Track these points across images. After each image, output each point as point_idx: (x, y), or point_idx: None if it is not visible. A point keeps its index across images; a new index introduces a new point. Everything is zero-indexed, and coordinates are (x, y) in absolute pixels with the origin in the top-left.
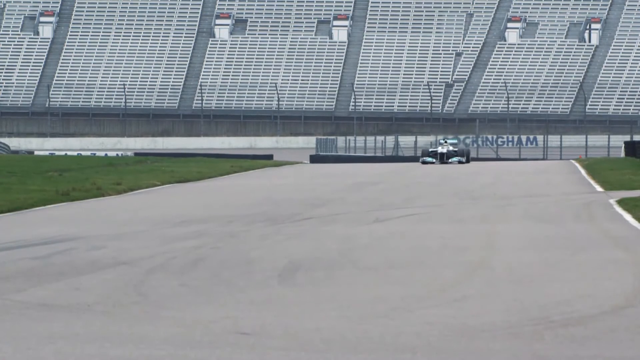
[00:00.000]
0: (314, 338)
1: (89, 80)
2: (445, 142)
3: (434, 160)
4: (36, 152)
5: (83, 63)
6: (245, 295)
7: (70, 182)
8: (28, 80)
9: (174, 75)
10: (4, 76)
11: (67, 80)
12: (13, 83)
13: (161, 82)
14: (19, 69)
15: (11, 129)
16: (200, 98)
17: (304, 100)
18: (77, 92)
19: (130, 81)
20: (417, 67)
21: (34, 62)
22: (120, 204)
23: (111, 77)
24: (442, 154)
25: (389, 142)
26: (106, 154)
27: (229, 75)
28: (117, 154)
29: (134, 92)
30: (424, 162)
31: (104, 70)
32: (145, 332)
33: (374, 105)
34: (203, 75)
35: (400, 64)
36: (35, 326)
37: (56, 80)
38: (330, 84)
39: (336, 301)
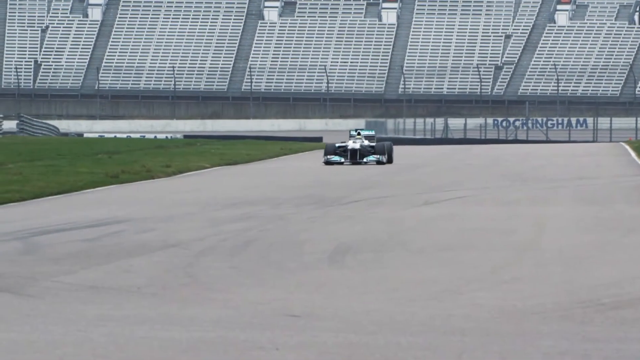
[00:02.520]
0: (363, 320)
1: (138, 63)
2: (359, 134)
3: (342, 160)
4: (85, 135)
5: (132, 45)
6: (295, 277)
7: (119, 165)
8: (77, 62)
9: (223, 57)
10: (53, 59)
11: (116, 62)
12: (62, 65)
13: (210, 64)
14: (69, 52)
15: (60, 111)
16: (249, 80)
17: (353, 83)
18: (127, 74)
19: (179, 63)
20: (466, 49)
21: (83, 45)
22: (169, 186)
23: (160, 60)
24: (353, 151)
25: (438, 125)
26: (155, 136)
27: (278, 58)
28: (166, 137)
29: (184, 75)
30: (328, 162)
31: (153, 53)
32: (194, 314)
33: (424, 88)
34: (252, 57)
35: (450, 46)
36: (85, 308)
37: (105, 62)
38: (380, 66)
39: (385, 283)
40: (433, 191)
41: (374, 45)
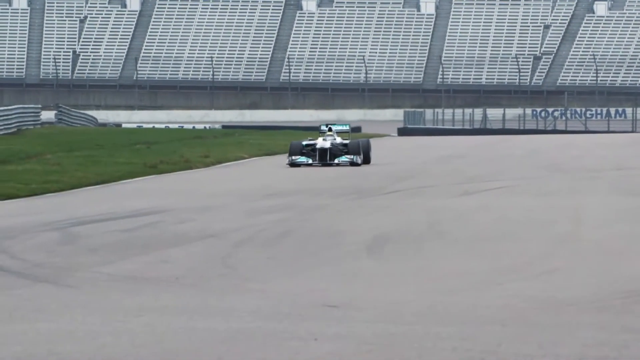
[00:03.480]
0: (402, 310)
1: (176, 53)
2: (330, 130)
3: (309, 161)
4: (124, 125)
5: (171, 35)
6: (333, 268)
7: (158, 155)
8: (116, 52)
9: (262, 47)
10: (92, 49)
11: (154, 52)
12: (101, 56)
13: (249, 54)
14: (107, 42)
15: (99, 101)
16: (287, 71)
17: (391, 73)
18: (165, 64)
19: (218, 53)
20: (505, 39)
21: (121, 35)
22: (207, 176)
23: (199, 50)
24: (322, 151)
25: (477, 115)
26: (194, 127)
27: (316, 48)
28: (204, 127)
29: (222, 65)
30: (293, 164)
31: (192, 43)
32: (233, 304)
33: (462, 78)
34: (291, 47)
35: (489, 36)
36: (123, 298)
37: (144, 52)
38: (418, 56)
39: (424, 274)
40: (472, 181)
41: (413, 35)
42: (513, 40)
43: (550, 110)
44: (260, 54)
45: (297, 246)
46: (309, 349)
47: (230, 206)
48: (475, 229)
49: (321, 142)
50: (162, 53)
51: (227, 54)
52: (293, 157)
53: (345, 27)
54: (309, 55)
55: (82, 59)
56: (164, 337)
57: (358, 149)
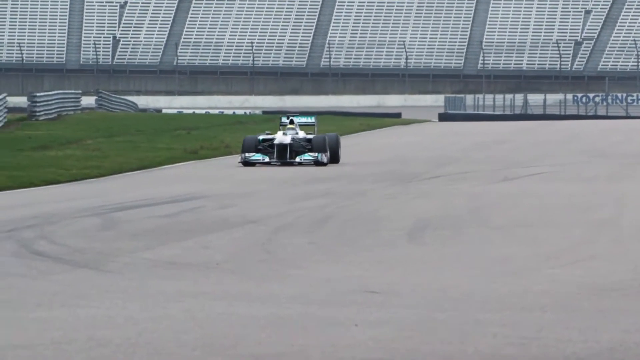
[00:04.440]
0: (443, 296)
1: (217, 38)
2: (292, 122)
3: (266, 158)
4: (164, 111)
5: (211, 21)
6: (373, 253)
7: (198, 140)
8: (156, 38)
9: (302, 33)
10: (132, 34)
11: (195, 38)
12: (141, 41)
13: (289, 40)
14: (147, 27)
15: (139, 87)
16: (328, 56)
17: (432, 58)
18: (205, 50)
19: (258, 39)
20: (546, 25)
21: (161, 20)
22: None
23: (239, 35)
24: (282, 147)
25: (517, 101)
26: (234, 112)
27: (357, 33)
28: (244, 112)
29: (262, 50)
30: (247, 163)
31: (232, 28)
32: (273, 290)
33: (503, 63)
34: (331, 33)
35: (529, 21)
36: (163, 284)
37: (184, 38)
38: (459, 41)
39: (464, 260)
40: (513, 167)
41: (453, 20)
42: (554, 25)
43: (591, 95)
44: (301, 39)
45: (337, 232)
46: (350, 334)
47: (270, 192)
48: (515, 215)
49: (280, 137)
50: (202, 38)
51: (268, 39)
52: (246, 155)
53: (385, 12)
54: (349, 40)
55: (122, 44)
56: (203, 323)
57: (323, 146)
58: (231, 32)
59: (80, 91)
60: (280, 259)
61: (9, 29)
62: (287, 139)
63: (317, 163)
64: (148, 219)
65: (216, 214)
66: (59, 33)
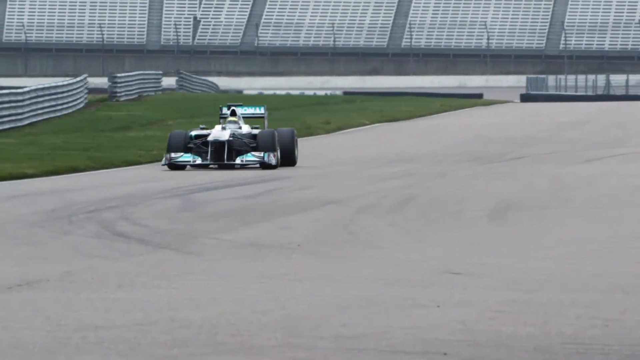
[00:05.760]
0: (524, 278)
1: (297, 19)
2: (233, 113)
3: (198, 159)
4: (245, 92)
5: (291, 1)
6: (455, 234)
7: (279, 121)
8: (237, 19)
9: (383, 13)
10: (212, 15)
11: (275, 19)
12: (222, 22)
13: (370, 20)
14: (228, 8)
15: (219, 68)
16: (409, 36)
17: (514, 39)
18: (286, 30)
19: (339, 19)
20: (628, 4)
21: (242, 1)
22: (329, 143)
23: (320, 16)
24: (218, 145)
25: (599, 81)
26: (314, 93)
27: (438, 13)
28: (325, 93)
29: (343, 31)
30: (173, 165)
31: (313, 9)
32: (354, 271)
33: (585, 44)
34: (412, 13)
35: (612, 0)
36: (244, 265)
37: (264, 19)
38: (541, 21)
39: (546, 241)
40: (595, 148)
41: (535, 0)
42: (637, 4)
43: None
44: (382, 20)
45: (418, 213)
46: (432, 315)
47: (351, 173)
48: (598, 196)
49: (217, 133)
50: (283, 19)
51: (348, 19)
52: (172, 155)
53: None
54: (430, 20)
55: (202, 25)
56: (285, 305)
57: (272, 143)
58: (312, 12)
59: (161, 72)
60: (362, 240)
61: (90, 9)
62: (224, 135)
63: (264, 165)
64: (228, 200)
65: (296, 195)
66: (139, 13)
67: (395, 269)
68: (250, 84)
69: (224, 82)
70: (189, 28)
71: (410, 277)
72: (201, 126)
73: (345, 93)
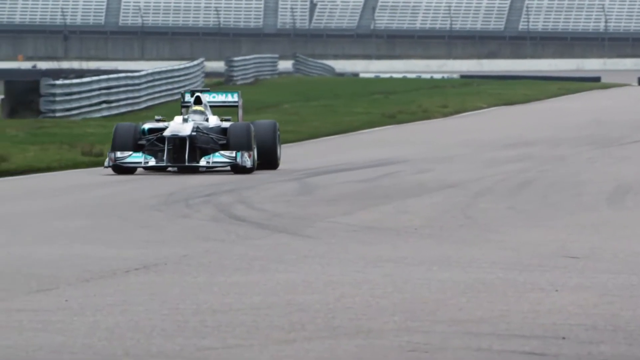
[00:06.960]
0: None
1: (414, 2)
2: (198, 101)
3: (151, 160)
4: (361, 75)
5: None
6: (573, 218)
7: (396, 105)
8: (353, 2)
9: None
10: None
11: (392, 1)
12: (338, 5)
13: (487, 3)
14: None
15: (336, 51)
16: (526, 20)
17: (632, 22)
18: (403, 13)
19: (455, 2)
20: None
21: None
22: (446, 126)
23: None
24: (178, 142)
25: None
26: (431, 76)
27: None
28: (442, 76)
29: (460, 14)
30: (117, 168)
31: None
32: (472, 255)
33: None
34: None
35: None
36: (362, 249)
37: (381, 1)
38: None
39: None
40: None
41: None
42: None
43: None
44: (499, 3)
45: (536, 196)
46: (550, 299)
47: (469, 156)
48: None
49: (176, 126)
50: (399, 2)
51: (465, 2)
52: (118, 155)
53: None
54: (547, 3)
55: (319, 8)
56: (403, 288)
57: (246, 140)
58: None
59: (277, 55)
60: (480, 224)
61: None
62: (185, 129)
63: (236, 168)
64: (345, 184)
65: (415, 178)
66: None
67: (513, 252)
68: (367, 67)
69: (340, 65)
70: (305, 11)
71: (528, 261)
72: (157, 117)
73: (462, 76)
